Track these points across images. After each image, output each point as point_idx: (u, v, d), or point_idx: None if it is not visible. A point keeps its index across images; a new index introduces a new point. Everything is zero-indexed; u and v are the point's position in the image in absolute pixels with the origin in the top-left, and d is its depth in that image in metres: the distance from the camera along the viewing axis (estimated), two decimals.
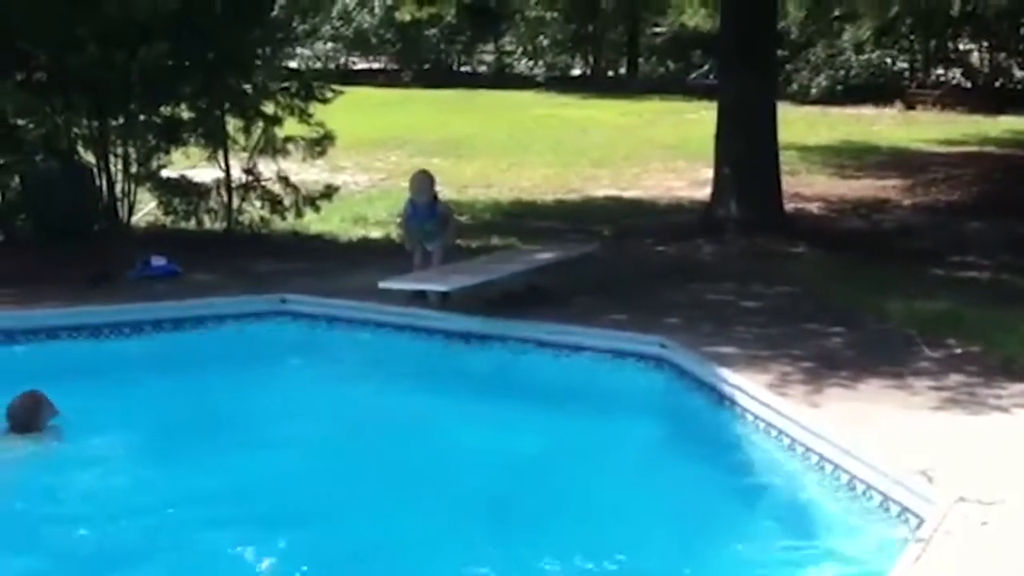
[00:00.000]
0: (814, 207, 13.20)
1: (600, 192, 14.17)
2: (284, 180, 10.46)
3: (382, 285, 7.56)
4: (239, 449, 6.30)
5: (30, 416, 6.20)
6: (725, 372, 6.43)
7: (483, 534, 5.40)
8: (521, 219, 12.19)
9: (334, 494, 5.84)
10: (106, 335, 7.44)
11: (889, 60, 26.39)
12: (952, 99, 24.63)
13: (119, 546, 5.19)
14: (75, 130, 9.90)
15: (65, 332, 7.32)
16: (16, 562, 4.94)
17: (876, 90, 25.03)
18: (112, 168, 10.11)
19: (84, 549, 5.18)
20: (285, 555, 5.07)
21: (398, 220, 10.89)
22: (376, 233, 11.13)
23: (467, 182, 14.13)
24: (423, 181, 8.31)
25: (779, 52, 17.65)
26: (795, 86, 24.88)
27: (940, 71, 27.12)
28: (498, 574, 4.96)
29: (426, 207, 8.29)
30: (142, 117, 10.02)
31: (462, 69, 32.30)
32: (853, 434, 5.46)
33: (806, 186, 14.34)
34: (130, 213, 10.23)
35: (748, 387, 6.20)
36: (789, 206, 12.13)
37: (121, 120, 10.03)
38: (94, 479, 5.91)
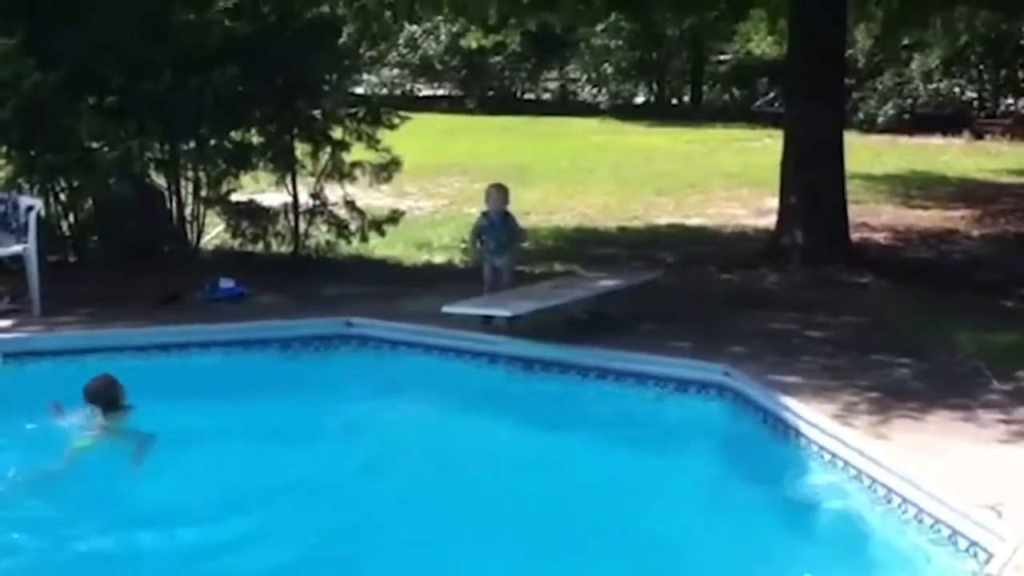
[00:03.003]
0: (881, 237, 13.07)
1: (663, 219, 14.15)
2: (350, 205, 10.57)
3: (446, 309, 7.60)
4: (300, 469, 6.37)
5: (112, 391, 6.50)
6: (790, 401, 6.38)
7: (547, 563, 5.39)
8: (583, 246, 12.21)
9: (394, 517, 5.88)
10: (175, 354, 7.55)
11: (958, 89, 26.16)
12: (1022, 129, 24.31)
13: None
14: (147, 154, 10.07)
15: (135, 351, 7.44)
16: None
17: (944, 119, 24.82)
18: (182, 191, 10.30)
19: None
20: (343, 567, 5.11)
21: (462, 245, 11.03)
22: (440, 258, 11.21)
23: (529, 208, 14.15)
24: (498, 192, 8.62)
25: (846, 80, 17.53)
26: (862, 115, 24.74)
27: (1009, 100, 26.81)
28: None
29: (499, 218, 8.54)
30: (213, 142, 10.19)
31: (526, 96, 32.55)
32: (921, 466, 5.39)
33: (873, 215, 14.22)
34: (199, 236, 10.40)
35: (813, 417, 6.14)
36: (855, 236, 12.03)
37: (192, 144, 10.21)
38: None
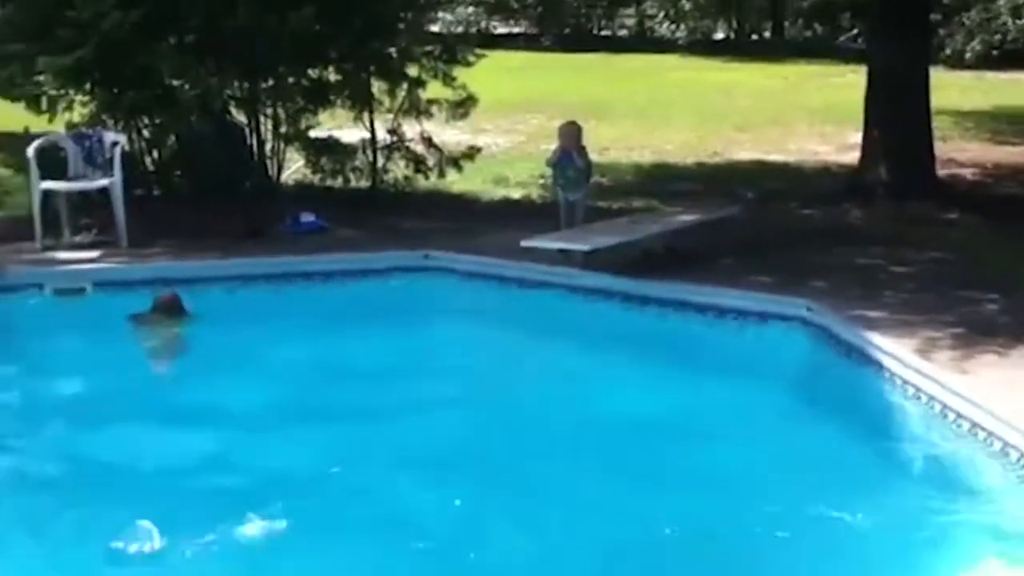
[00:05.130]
0: (968, 173, 12.76)
1: (743, 155, 13.95)
2: (427, 141, 10.57)
3: (524, 243, 7.60)
4: (379, 400, 6.46)
5: (176, 303, 7.01)
6: (873, 336, 6.30)
7: (628, 493, 5.40)
8: (662, 182, 12.08)
9: (476, 447, 5.94)
10: (258, 286, 7.67)
11: None
12: None
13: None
14: (227, 91, 10.16)
15: (220, 282, 7.58)
16: None
17: None
18: (262, 128, 10.37)
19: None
20: (428, 499, 5.19)
21: (540, 180, 11.00)
22: (517, 194, 11.18)
23: (608, 144, 14.03)
24: (570, 128, 8.75)
25: (932, 16, 17.05)
26: (948, 51, 24.05)
27: None
28: (646, 533, 4.95)
29: (572, 154, 8.60)
30: (291, 79, 10.23)
31: (602, 33, 32.12)
32: (1006, 400, 5.30)
33: (960, 152, 13.86)
34: (279, 171, 10.49)
35: (896, 351, 6.06)
36: (942, 172, 11.75)
37: (271, 82, 10.26)
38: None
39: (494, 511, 5.20)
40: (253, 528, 4.74)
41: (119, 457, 5.59)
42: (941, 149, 12.14)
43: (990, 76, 22.88)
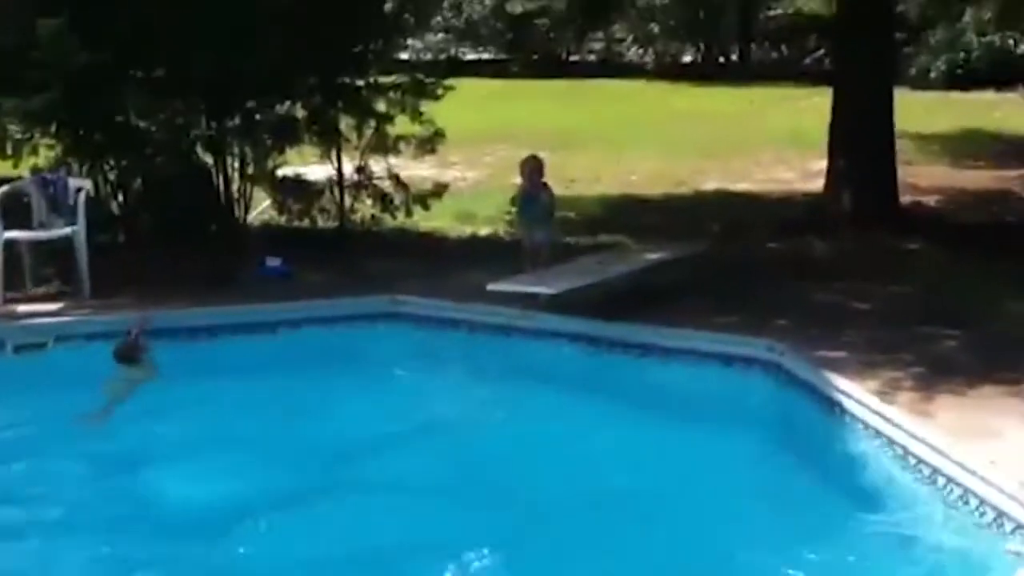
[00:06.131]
0: (932, 199, 12.86)
1: (709, 185, 14.03)
2: (395, 178, 10.59)
3: (491, 287, 7.61)
4: (344, 447, 6.47)
5: (122, 349, 6.91)
6: (834, 377, 6.34)
7: (589, 536, 5.45)
8: (629, 214, 12.13)
9: (442, 493, 5.96)
10: (224, 336, 7.66)
11: (1012, 42, 25.57)
12: None
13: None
14: (194, 131, 10.16)
15: (184, 333, 7.55)
16: None
17: (998, 74, 24.28)
18: (229, 168, 10.37)
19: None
20: (393, 544, 5.19)
21: (507, 216, 11.04)
22: (484, 230, 11.20)
23: (575, 176, 14.09)
24: (531, 166, 8.72)
25: (897, 35, 17.21)
26: (914, 70, 24.27)
27: None
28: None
29: (534, 191, 8.64)
30: (258, 116, 10.23)
31: (572, 59, 32.26)
32: (967, 445, 5.35)
33: (924, 177, 13.97)
34: (246, 213, 10.49)
35: (857, 393, 6.11)
36: (905, 198, 11.85)
37: (238, 120, 10.26)
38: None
39: (458, 557, 5.22)
40: None
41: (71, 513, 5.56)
42: (905, 173, 12.25)
43: (955, 96, 23.11)
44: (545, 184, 8.76)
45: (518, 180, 9.05)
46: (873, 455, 5.80)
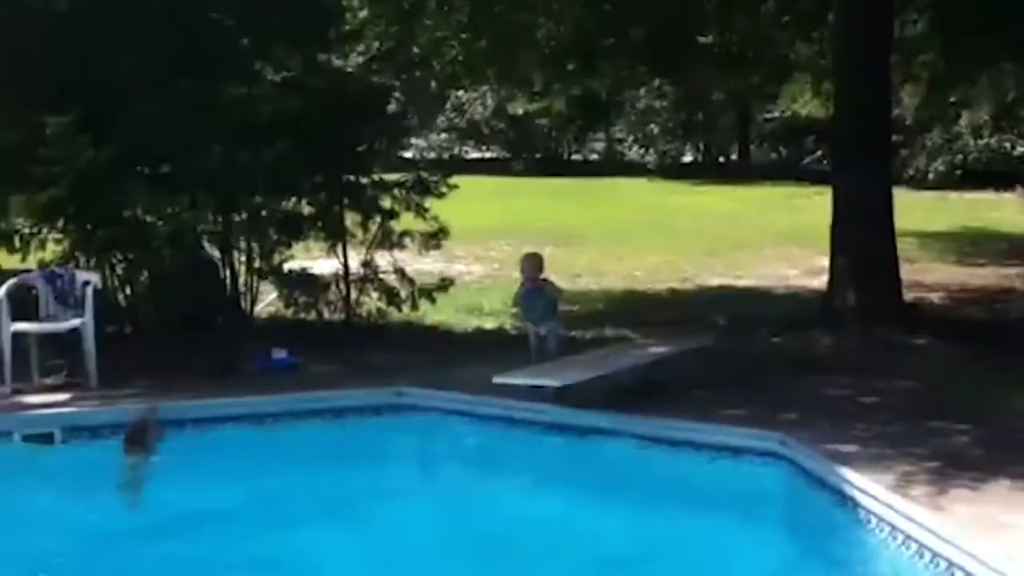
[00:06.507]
0: (935, 296, 12.93)
1: (714, 281, 14.11)
2: (400, 272, 10.64)
3: (496, 379, 7.59)
4: (351, 540, 6.38)
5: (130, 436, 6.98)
6: (846, 471, 6.28)
7: None
8: (634, 309, 12.18)
9: None
10: (229, 427, 7.61)
11: (1008, 144, 25.94)
12: None
13: None
14: (201, 226, 10.24)
15: (190, 424, 7.51)
16: None
17: (996, 175, 24.61)
18: (236, 262, 10.43)
19: None
20: None
21: (513, 310, 11.06)
22: (490, 324, 11.23)
23: (579, 271, 14.20)
24: (531, 261, 8.86)
25: (894, 137, 17.47)
26: (912, 171, 24.58)
27: None
28: None
29: (535, 287, 8.73)
30: (264, 213, 10.32)
31: (573, 157, 32.69)
32: (982, 540, 5.28)
33: (926, 274, 14.08)
34: (253, 305, 10.51)
35: (870, 488, 6.04)
36: (909, 295, 11.90)
37: (244, 215, 10.35)
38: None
39: None
40: None
41: None
42: (908, 271, 12.32)
43: (953, 196, 23.38)
44: (546, 279, 8.81)
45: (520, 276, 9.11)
46: (887, 548, 5.72)
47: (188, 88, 9.33)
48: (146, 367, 8.58)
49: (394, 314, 10.65)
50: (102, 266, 9.82)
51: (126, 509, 6.52)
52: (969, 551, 5.21)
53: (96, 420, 7.43)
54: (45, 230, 9.77)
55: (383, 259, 10.70)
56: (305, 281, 10.52)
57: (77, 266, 9.34)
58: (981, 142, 25.47)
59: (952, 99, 21.72)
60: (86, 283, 8.75)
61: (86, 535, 6.33)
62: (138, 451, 6.91)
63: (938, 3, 13.15)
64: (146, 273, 10.23)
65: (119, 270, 10.12)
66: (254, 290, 10.49)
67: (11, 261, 9.81)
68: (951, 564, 5.29)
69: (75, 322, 8.47)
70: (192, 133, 9.46)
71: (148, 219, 9.94)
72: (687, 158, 32.48)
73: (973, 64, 14.22)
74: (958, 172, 25.14)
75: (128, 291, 10.22)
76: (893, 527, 5.75)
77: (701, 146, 32.65)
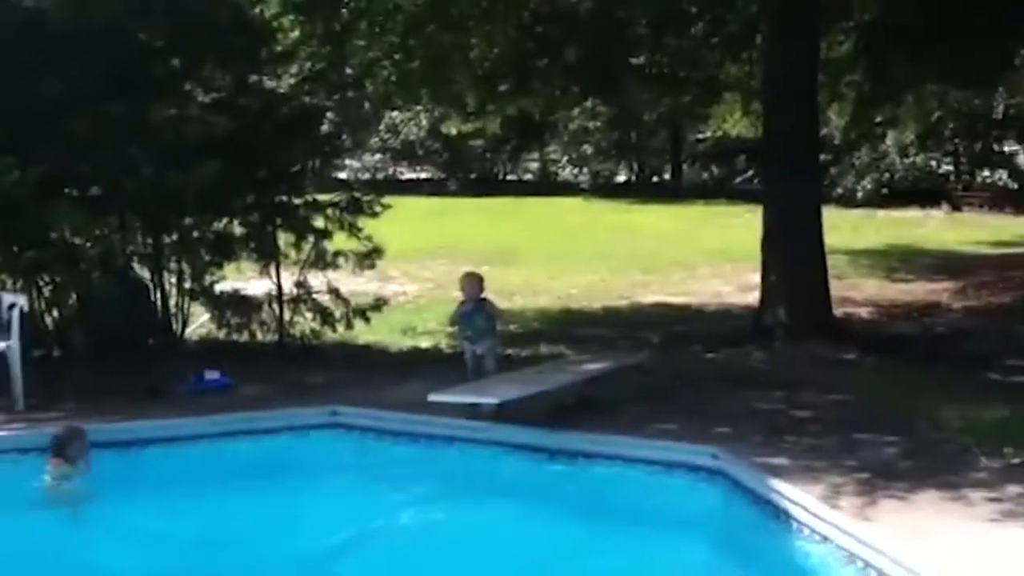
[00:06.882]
0: (864, 311, 13.15)
1: (648, 298, 14.22)
2: (335, 292, 10.59)
3: (431, 398, 7.58)
4: (281, 561, 6.32)
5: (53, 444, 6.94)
6: (778, 484, 6.35)
7: None
8: (569, 327, 12.24)
9: None
10: (159, 448, 7.50)
11: (934, 163, 26.47)
12: (999, 200, 24.63)
13: None
14: (130, 247, 10.12)
15: (120, 446, 7.39)
16: None
17: (922, 193, 25.10)
18: (166, 283, 10.31)
19: None
20: None
21: (448, 329, 11.04)
22: (425, 343, 11.21)
23: (515, 290, 14.23)
24: (471, 281, 8.86)
25: (823, 156, 17.77)
26: (840, 190, 24.97)
27: (986, 173, 27.13)
28: None
29: (475, 306, 8.72)
30: (195, 234, 10.21)
31: (508, 177, 32.78)
32: (912, 548, 5.36)
33: (855, 290, 14.31)
34: (184, 327, 10.40)
35: (802, 499, 6.11)
36: (839, 311, 12.09)
37: (175, 236, 10.24)
38: None
39: None
40: None
41: None
42: (837, 287, 12.52)
43: (881, 214, 23.78)
44: (484, 299, 8.83)
45: (458, 294, 9.11)
46: (818, 558, 5.78)
47: (117, 109, 9.22)
48: (75, 390, 8.44)
49: (328, 334, 10.59)
50: (29, 288, 9.65)
51: (54, 529, 6.38)
52: (900, 561, 5.28)
53: (20, 444, 7.27)
54: None
55: (316, 279, 10.65)
56: (237, 302, 10.44)
57: (3, 288, 9.19)
58: (907, 161, 25.96)
59: (878, 119, 22.21)
60: (12, 306, 8.58)
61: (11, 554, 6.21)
62: (61, 464, 6.79)
63: (863, 25, 13.43)
64: (75, 295, 10.06)
65: (46, 292, 9.95)
66: (185, 311, 10.38)
67: None
68: (881, 573, 5.35)
69: (0, 345, 8.30)
70: (121, 154, 9.36)
71: (76, 241, 9.79)
72: (621, 178, 32.73)
73: (898, 85, 14.52)
74: (885, 190, 25.59)
75: (56, 313, 10.06)
76: (825, 537, 5.82)
77: (634, 166, 32.93)
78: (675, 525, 6.61)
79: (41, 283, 9.89)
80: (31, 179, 8.95)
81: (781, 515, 6.19)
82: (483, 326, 8.73)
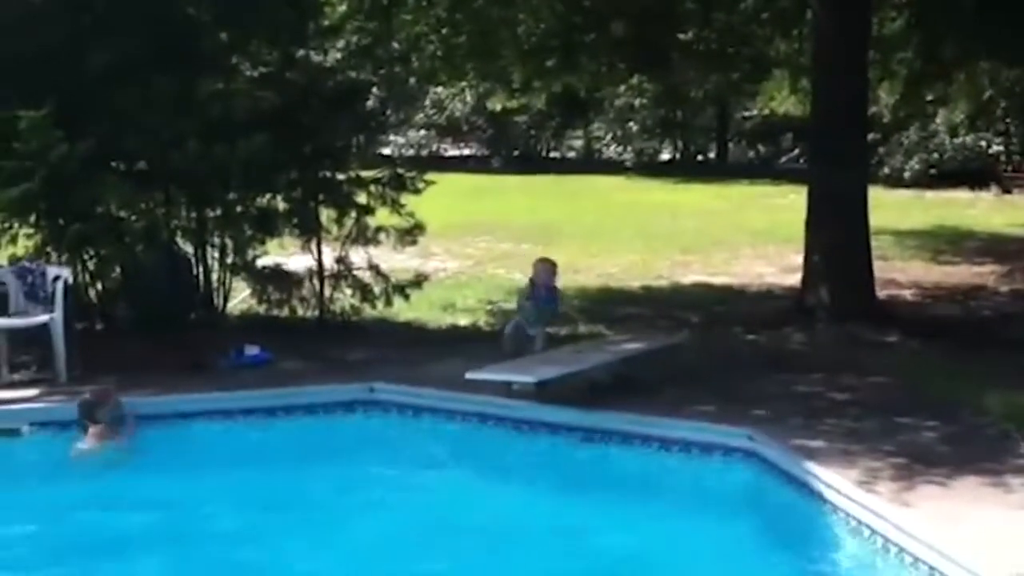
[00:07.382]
0: (908, 294, 13.00)
1: (689, 278, 14.14)
2: (375, 269, 10.61)
3: (469, 375, 7.60)
4: (318, 538, 6.37)
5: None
6: (813, 467, 6.32)
7: None
8: (608, 306, 12.19)
9: None
10: (199, 422, 7.59)
11: (984, 143, 26.06)
12: None
13: None
14: (174, 221, 10.19)
15: (160, 419, 7.48)
16: None
17: (971, 174, 24.74)
18: (209, 258, 10.38)
19: None
20: None
21: (488, 306, 11.05)
22: (464, 320, 11.22)
23: None
24: (544, 266, 9.00)
25: (871, 135, 17.56)
26: (887, 170, 24.67)
27: None
28: None
29: (545, 292, 8.82)
30: (239, 208, 10.28)
31: (551, 155, 32.71)
32: (948, 534, 5.32)
33: (900, 272, 14.15)
34: (225, 301, 10.47)
35: (837, 483, 6.08)
36: (882, 293, 11.96)
37: (219, 211, 10.30)
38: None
39: None
40: None
41: None
42: (881, 269, 12.38)
43: (929, 195, 23.47)
44: (556, 288, 8.98)
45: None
46: (852, 542, 5.75)
47: (164, 83, 9.29)
48: (117, 363, 8.52)
49: (368, 311, 10.62)
50: (74, 262, 9.75)
51: (93, 503, 6.47)
52: (935, 546, 5.25)
53: (64, 416, 7.38)
54: (17, 225, 9.69)
55: (357, 255, 10.68)
56: (279, 277, 10.48)
57: (48, 261, 9.29)
58: (957, 140, 25.59)
59: (929, 97, 21.88)
60: (56, 278, 8.70)
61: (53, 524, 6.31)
62: (101, 431, 6.96)
63: (916, 2, 13.23)
64: (118, 269, 10.17)
65: (91, 266, 10.05)
66: (227, 286, 10.45)
67: None
68: (916, 558, 5.32)
69: (44, 317, 8.42)
70: (167, 128, 9.42)
71: (121, 215, 9.89)
72: (665, 156, 32.56)
73: (950, 62, 14.30)
74: (933, 171, 25.25)
75: (100, 287, 10.16)
76: (860, 521, 5.79)
77: (679, 144, 32.73)
78: (709, 506, 6.62)
79: (86, 256, 9.99)
80: (78, 153, 9.04)
81: (816, 498, 6.16)
82: (549, 314, 8.74)
